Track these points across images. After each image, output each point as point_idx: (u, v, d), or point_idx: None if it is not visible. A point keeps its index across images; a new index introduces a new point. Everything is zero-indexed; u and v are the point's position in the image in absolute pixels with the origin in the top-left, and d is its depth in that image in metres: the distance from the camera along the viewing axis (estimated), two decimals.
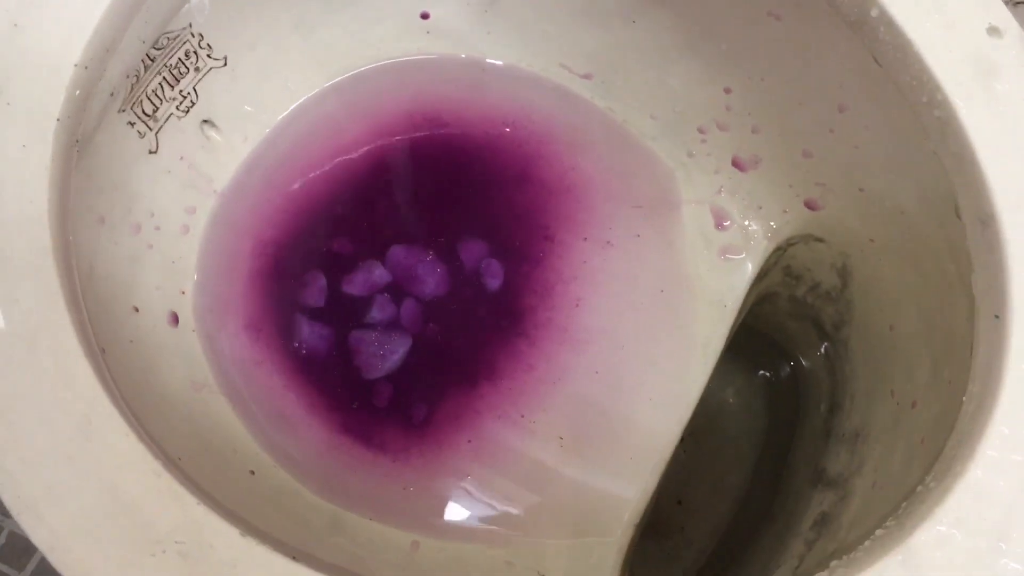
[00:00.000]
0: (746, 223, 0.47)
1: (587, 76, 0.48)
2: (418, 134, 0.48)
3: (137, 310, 0.40)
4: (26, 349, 0.27)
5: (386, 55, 0.48)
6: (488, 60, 0.48)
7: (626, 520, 0.43)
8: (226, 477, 0.39)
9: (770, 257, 0.46)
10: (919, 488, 0.30)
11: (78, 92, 0.30)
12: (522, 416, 0.44)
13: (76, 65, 0.30)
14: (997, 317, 0.31)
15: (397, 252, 0.46)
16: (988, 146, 0.31)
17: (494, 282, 0.46)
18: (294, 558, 0.27)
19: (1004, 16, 0.33)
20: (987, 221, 0.31)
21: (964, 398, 0.31)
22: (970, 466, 0.29)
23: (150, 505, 0.27)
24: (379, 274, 0.45)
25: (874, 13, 0.33)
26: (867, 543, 0.29)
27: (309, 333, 0.44)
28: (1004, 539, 0.28)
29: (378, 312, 0.45)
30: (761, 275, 0.47)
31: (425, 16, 0.47)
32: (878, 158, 0.40)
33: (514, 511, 0.42)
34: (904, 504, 0.30)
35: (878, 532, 0.30)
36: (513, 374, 0.44)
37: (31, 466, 0.27)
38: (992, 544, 0.28)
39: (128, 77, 0.36)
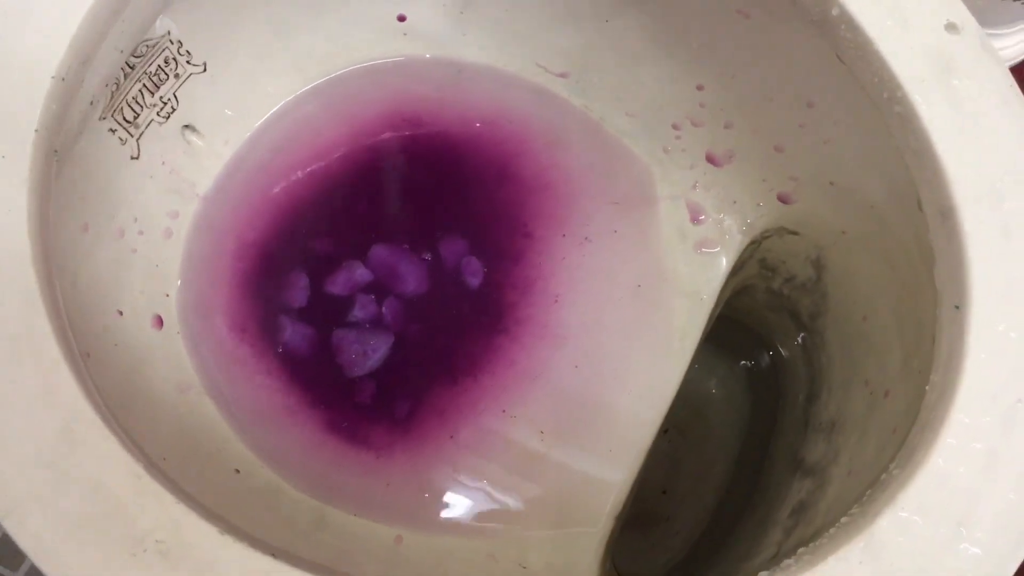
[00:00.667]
0: (721, 217, 0.47)
1: (563, 75, 0.49)
2: (397, 135, 0.48)
3: (121, 314, 0.40)
4: (7, 356, 0.28)
5: (364, 58, 0.48)
6: (465, 61, 0.49)
7: (607, 511, 0.43)
8: (211, 477, 0.40)
9: (745, 250, 0.47)
10: (883, 476, 0.31)
11: (55, 104, 0.31)
12: (503, 411, 0.44)
13: (53, 77, 0.30)
14: (957, 307, 0.31)
15: (378, 251, 0.46)
16: (947, 141, 0.32)
17: (474, 279, 0.47)
18: (273, 555, 0.28)
19: (962, 12, 0.33)
20: (947, 214, 0.32)
21: (927, 387, 0.32)
22: (932, 454, 0.30)
23: (131, 506, 0.27)
24: (361, 273, 0.46)
25: (835, 12, 0.33)
26: (832, 530, 0.30)
27: (292, 333, 0.45)
28: (964, 524, 0.29)
29: (360, 311, 0.46)
30: (737, 268, 0.48)
31: (402, 19, 0.48)
32: (847, 153, 0.40)
33: (496, 505, 0.43)
34: (869, 492, 0.31)
35: (843, 519, 0.30)
36: (494, 370, 0.45)
37: (15, 471, 0.27)
38: (952, 529, 0.29)
39: (107, 86, 0.37)
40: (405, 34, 0.48)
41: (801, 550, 0.30)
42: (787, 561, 0.30)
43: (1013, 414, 0.30)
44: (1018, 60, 0.63)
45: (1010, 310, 0.31)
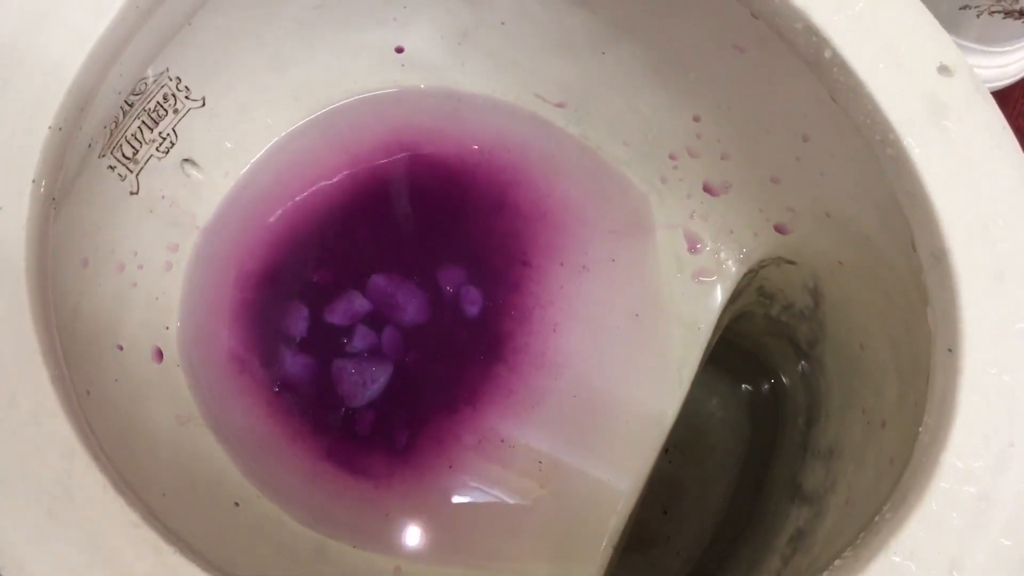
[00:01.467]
0: (718, 246, 0.48)
1: (561, 105, 0.49)
2: (395, 165, 0.49)
3: (122, 348, 0.41)
4: (6, 404, 0.28)
5: (362, 89, 0.48)
6: (463, 91, 0.49)
7: (605, 542, 0.44)
8: (211, 511, 0.40)
9: (743, 279, 0.47)
10: (876, 519, 0.31)
11: (53, 152, 0.31)
12: (502, 441, 0.45)
13: (50, 127, 0.31)
14: (950, 351, 0.31)
15: (377, 281, 0.47)
16: (939, 183, 0.32)
17: (473, 308, 0.47)
18: None
19: (954, 55, 0.33)
20: (939, 256, 0.32)
21: (920, 429, 0.32)
22: (924, 498, 0.30)
23: (128, 555, 0.28)
24: (360, 303, 0.46)
25: (827, 55, 0.33)
26: (824, 574, 0.30)
27: (292, 363, 0.45)
28: (957, 568, 0.29)
29: (360, 341, 0.46)
30: (734, 296, 0.48)
31: (400, 50, 0.48)
32: (842, 186, 0.40)
33: (494, 535, 0.43)
34: (861, 535, 0.31)
35: (836, 563, 0.30)
36: (492, 400, 0.45)
37: (13, 520, 0.28)
38: (944, 574, 0.29)
39: (106, 127, 0.37)
40: (403, 65, 0.48)
41: None
42: None
43: (1006, 458, 0.30)
44: (1019, 77, 0.64)
45: (1003, 354, 0.31)
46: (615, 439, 0.45)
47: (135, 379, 0.41)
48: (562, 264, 0.47)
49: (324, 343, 0.46)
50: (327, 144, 0.48)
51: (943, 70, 0.33)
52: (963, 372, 0.31)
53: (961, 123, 0.32)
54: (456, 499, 0.44)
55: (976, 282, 0.31)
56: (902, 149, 0.32)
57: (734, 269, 0.47)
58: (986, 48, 0.61)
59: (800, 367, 0.51)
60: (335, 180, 0.48)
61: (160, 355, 0.43)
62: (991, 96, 0.33)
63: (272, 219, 0.47)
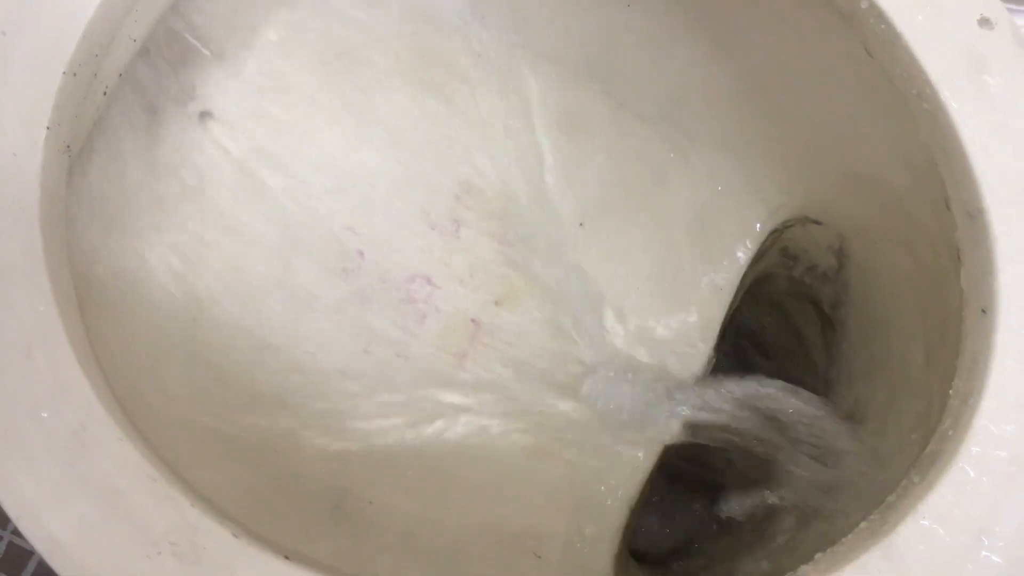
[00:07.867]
0: (743, 205, 0.46)
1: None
2: None
3: (142, 306, 0.40)
4: (22, 357, 0.28)
5: None
6: None
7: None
8: (227, 464, 0.39)
9: (767, 239, 0.46)
10: (903, 482, 0.30)
11: (67, 99, 0.30)
12: None
13: (64, 73, 0.30)
14: (984, 312, 0.31)
15: None
16: (977, 140, 0.31)
17: None
18: (287, 557, 0.28)
19: (995, 7, 0.32)
20: (975, 215, 0.31)
21: (950, 392, 0.31)
22: (954, 461, 0.29)
23: (145, 508, 0.27)
24: None
25: (864, 5, 0.32)
26: (849, 536, 0.30)
27: None
28: (986, 533, 0.28)
29: None
30: (758, 257, 0.47)
31: None
32: (873, 144, 0.39)
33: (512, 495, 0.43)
34: (888, 498, 0.30)
35: (861, 525, 0.30)
36: None
37: (30, 472, 0.27)
38: (974, 539, 0.28)
39: (122, 76, 0.36)
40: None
41: (818, 556, 0.30)
42: (804, 567, 0.30)
43: None
44: None
45: None
46: None
47: (154, 332, 0.40)
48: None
49: None
50: None
51: (984, 23, 0.32)
52: (997, 333, 0.30)
53: (1002, 78, 0.31)
54: None
55: (1014, 242, 0.30)
56: (939, 104, 0.31)
57: (758, 228, 0.46)
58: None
59: (821, 330, 0.50)
60: None
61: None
62: None
63: None
